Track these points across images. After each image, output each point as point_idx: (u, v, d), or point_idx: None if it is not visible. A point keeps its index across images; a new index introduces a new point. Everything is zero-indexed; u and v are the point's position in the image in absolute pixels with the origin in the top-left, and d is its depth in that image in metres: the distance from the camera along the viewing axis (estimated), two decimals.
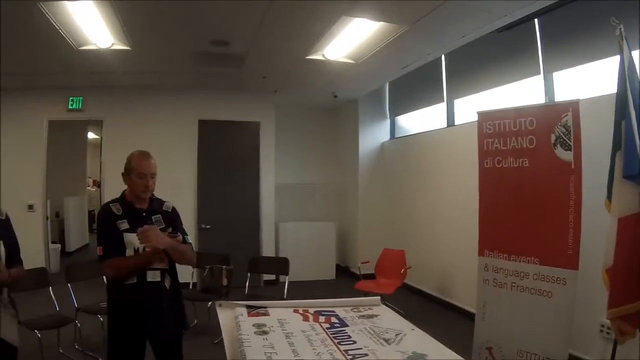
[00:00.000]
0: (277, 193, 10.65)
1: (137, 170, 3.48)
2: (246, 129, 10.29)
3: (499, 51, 7.14)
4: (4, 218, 3.31)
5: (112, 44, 7.08)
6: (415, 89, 9.55)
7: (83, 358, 5.97)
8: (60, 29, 6.37)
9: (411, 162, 9.63)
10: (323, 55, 7.43)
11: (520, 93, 6.97)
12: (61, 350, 6.13)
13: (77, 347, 6.23)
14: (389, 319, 3.13)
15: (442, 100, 8.73)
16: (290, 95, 10.42)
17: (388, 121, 11.00)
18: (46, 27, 6.28)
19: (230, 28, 6.48)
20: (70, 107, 9.86)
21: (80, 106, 9.87)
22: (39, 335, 5.37)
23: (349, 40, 6.78)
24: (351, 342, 2.63)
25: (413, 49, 7.14)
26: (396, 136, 10.82)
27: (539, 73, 6.45)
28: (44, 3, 5.59)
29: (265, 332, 2.78)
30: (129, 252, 3.44)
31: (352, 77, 8.76)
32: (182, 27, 6.45)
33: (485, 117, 5.66)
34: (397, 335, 2.78)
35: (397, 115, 10.75)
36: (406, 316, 3.17)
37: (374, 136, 10.96)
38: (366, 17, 5.93)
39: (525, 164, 5.22)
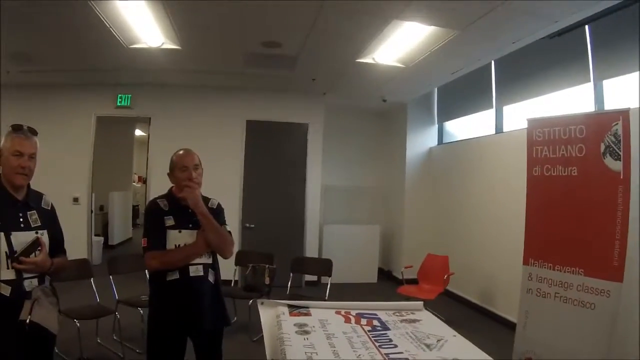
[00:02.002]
0: (323, 194, 10.64)
1: (178, 164, 3.53)
2: (294, 130, 10.28)
3: (549, 58, 7.02)
4: (49, 209, 3.34)
5: (163, 43, 7.17)
6: (464, 94, 9.46)
7: (120, 349, 6.02)
8: (110, 27, 6.47)
9: (458, 168, 9.53)
10: (373, 59, 7.41)
11: (569, 101, 6.85)
12: (99, 340, 6.23)
13: (115, 337, 6.32)
14: (431, 324, 3.09)
15: (491, 107, 8.60)
16: (339, 98, 10.37)
17: (436, 126, 10.90)
18: (97, 25, 6.39)
19: (282, 30, 6.50)
20: (118, 104, 10.02)
21: (129, 103, 10.02)
22: (78, 324, 5.48)
23: (400, 44, 6.75)
24: (392, 345, 2.60)
25: (463, 54, 7.08)
26: (444, 142, 10.72)
27: (589, 81, 6.33)
28: (95, 2, 5.68)
29: (306, 332, 2.76)
30: (170, 248, 3.48)
31: (402, 82, 8.71)
32: (233, 28, 6.48)
33: (535, 124, 5.58)
34: (438, 341, 2.74)
35: (445, 121, 10.65)
36: (447, 322, 3.12)
37: (421, 141, 10.87)
38: (417, 21, 5.89)
39: (574, 172, 5.12)
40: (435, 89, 10.50)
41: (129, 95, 10.00)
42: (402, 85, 9.03)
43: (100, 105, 10.06)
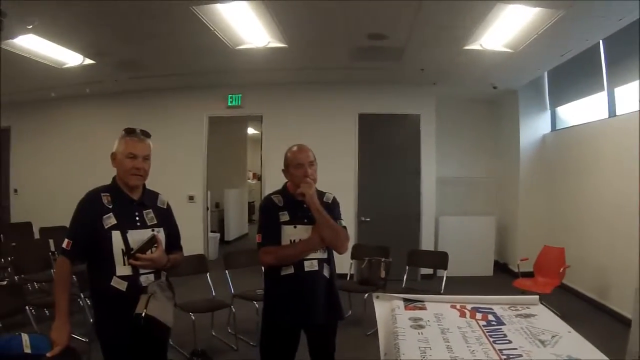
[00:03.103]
0: (437, 186, 10.50)
1: (294, 161, 3.57)
2: (406, 122, 10.21)
3: None
4: (165, 207, 3.44)
5: (269, 42, 7.27)
6: (575, 77, 9.06)
7: (234, 341, 6.18)
8: (215, 30, 6.63)
9: (572, 155, 9.16)
10: (480, 45, 7.25)
11: None
12: (213, 333, 6.40)
13: (229, 330, 6.47)
14: (546, 319, 2.98)
15: (603, 89, 8.19)
16: (449, 87, 10.21)
17: (548, 112, 10.52)
18: (201, 29, 6.60)
19: (387, 21, 6.46)
20: (229, 104, 10.32)
21: (239, 103, 10.28)
22: (194, 317, 5.64)
23: (506, 28, 6.59)
24: (506, 341, 2.52)
25: (570, 35, 6.81)
26: (557, 128, 10.33)
27: None
28: (197, 7, 5.83)
29: (421, 327, 2.72)
30: (285, 244, 3.54)
31: (511, 67, 8.49)
32: (338, 23, 6.50)
33: None
34: (553, 337, 2.64)
35: (557, 106, 10.23)
36: (561, 317, 3.02)
37: (534, 128, 10.50)
38: (521, 3, 5.74)
39: None
40: (545, 73, 10.11)
41: (239, 95, 10.26)
42: (512, 70, 8.80)
43: (212, 106, 10.42)
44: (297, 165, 3.55)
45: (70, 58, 8.29)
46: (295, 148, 3.65)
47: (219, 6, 5.98)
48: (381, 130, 10.14)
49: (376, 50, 7.60)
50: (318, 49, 7.77)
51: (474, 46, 7.30)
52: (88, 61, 8.37)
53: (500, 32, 6.76)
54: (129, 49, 7.83)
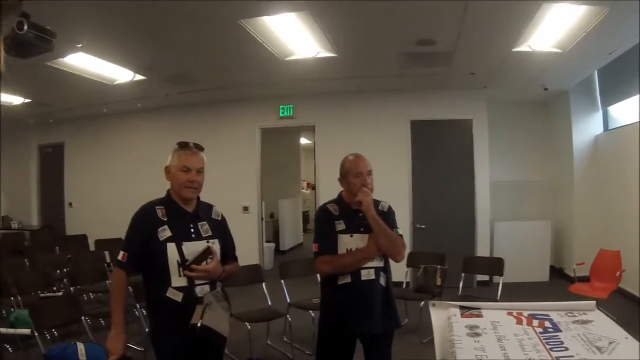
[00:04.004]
0: (491, 191, 10.35)
1: (353, 170, 3.59)
2: (458, 127, 10.15)
3: None
4: (219, 219, 3.47)
5: (318, 52, 7.31)
6: (625, 75, 8.80)
7: (290, 350, 6.21)
8: (264, 42, 6.69)
9: (626, 155, 8.84)
10: (529, 47, 7.17)
11: None
12: (269, 342, 6.44)
13: (285, 339, 6.49)
14: (603, 325, 2.93)
15: None
16: (499, 90, 10.10)
17: (600, 112, 10.27)
18: (250, 42, 6.66)
19: (434, 26, 6.46)
20: (281, 114, 10.39)
21: (291, 113, 10.36)
22: (249, 327, 5.68)
23: (553, 28, 6.52)
24: (563, 348, 2.49)
25: (618, 33, 6.66)
26: (609, 127, 10.09)
27: None
28: (245, 20, 5.91)
29: (477, 334, 2.71)
30: (341, 253, 3.56)
31: (560, 67, 8.36)
32: (385, 30, 6.52)
33: None
34: (610, 343, 2.60)
35: (609, 105, 9.97)
36: (618, 322, 2.97)
37: (586, 128, 10.27)
38: (567, 2, 5.69)
39: None
40: (595, 72, 9.87)
41: (291, 106, 10.35)
42: (561, 71, 8.66)
43: (264, 117, 10.54)
44: (356, 174, 3.57)
45: (121, 74, 8.51)
46: (353, 157, 3.68)
47: (266, 19, 6.05)
48: (433, 136, 10.10)
49: (425, 56, 7.58)
50: (367, 57, 7.79)
51: (522, 48, 7.22)
52: (139, 77, 8.58)
53: (548, 33, 6.69)
54: (178, 64, 8.01)
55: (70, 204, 12.95)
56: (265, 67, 7.98)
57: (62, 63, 7.50)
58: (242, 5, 5.67)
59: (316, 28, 6.37)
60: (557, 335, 2.69)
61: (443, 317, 3.12)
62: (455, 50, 7.36)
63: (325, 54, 7.40)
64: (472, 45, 7.19)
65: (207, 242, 3.25)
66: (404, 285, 7.53)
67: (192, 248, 3.17)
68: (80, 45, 6.77)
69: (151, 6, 5.58)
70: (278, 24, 6.27)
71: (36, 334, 4.60)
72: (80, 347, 4.34)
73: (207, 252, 3.18)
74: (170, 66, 8.15)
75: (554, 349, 2.47)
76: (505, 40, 6.96)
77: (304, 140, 17.04)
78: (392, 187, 9.30)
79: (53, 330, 5.72)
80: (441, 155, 10.09)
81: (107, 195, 11.89)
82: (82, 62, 7.69)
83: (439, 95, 10.02)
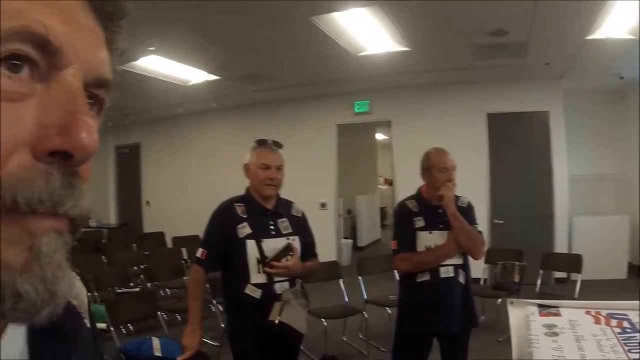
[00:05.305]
0: (570, 185, 10.09)
1: (438, 165, 3.59)
2: (535, 119, 9.96)
3: None
4: (300, 216, 3.51)
5: (391, 46, 7.30)
6: None
7: (365, 347, 6.21)
8: (336, 39, 6.72)
9: None
10: (603, 34, 6.97)
11: None
12: (344, 339, 6.44)
13: (361, 336, 6.48)
14: None
15: None
16: (574, 80, 9.81)
17: None
18: (322, 39, 6.70)
19: (506, 16, 6.34)
20: (356, 110, 10.38)
21: (367, 109, 10.33)
22: (325, 323, 5.73)
23: (627, 14, 6.29)
24: None
25: None
26: None
27: None
28: (316, 17, 5.96)
29: (555, 334, 2.67)
30: (420, 250, 3.56)
31: (636, 55, 8.00)
32: (457, 21, 6.47)
33: None
34: None
35: None
36: None
37: None
38: None
39: None
40: None
41: (366, 101, 10.34)
42: (637, 58, 8.27)
43: (340, 113, 10.56)
44: (441, 168, 3.57)
45: (194, 75, 8.71)
46: (438, 151, 3.68)
47: (337, 15, 6.08)
48: (510, 129, 9.93)
49: (499, 47, 7.47)
50: (441, 50, 7.73)
51: (596, 35, 7.03)
52: (212, 77, 8.74)
53: (622, 19, 6.49)
54: (251, 63, 8.11)
55: (148, 203, 13.35)
56: (339, 63, 8.02)
57: (135, 66, 7.71)
58: (314, 2, 5.72)
59: (387, 22, 6.36)
60: (635, 336, 2.63)
61: (521, 315, 3.09)
62: (529, 40, 7.23)
63: (398, 47, 7.38)
64: (546, 35, 7.03)
65: (287, 239, 3.29)
66: (481, 282, 7.44)
67: (271, 245, 3.20)
68: (152, 48, 6.97)
69: (223, 7, 5.68)
70: (349, 19, 6.29)
71: (112, 329, 4.71)
72: (156, 341, 4.47)
73: (287, 249, 3.21)
74: (243, 65, 8.26)
75: (632, 351, 2.42)
76: (578, 29, 6.77)
77: (380, 136, 17.04)
78: (470, 181, 9.14)
79: (129, 324, 5.89)
80: (518, 148, 9.92)
81: (184, 194, 12.18)
82: (155, 64, 7.92)
83: (514, 87, 9.82)
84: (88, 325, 0.74)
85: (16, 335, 0.57)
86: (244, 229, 3.20)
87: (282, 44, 7.15)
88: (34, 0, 0.47)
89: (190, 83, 9.09)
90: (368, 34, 6.89)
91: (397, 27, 6.55)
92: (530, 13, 6.15)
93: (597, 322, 2.88)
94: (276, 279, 3.19)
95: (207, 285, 3.78)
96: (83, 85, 0.52)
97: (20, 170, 0.46)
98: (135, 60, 7.45)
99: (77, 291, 0.68)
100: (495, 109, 9.92)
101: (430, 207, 3.61)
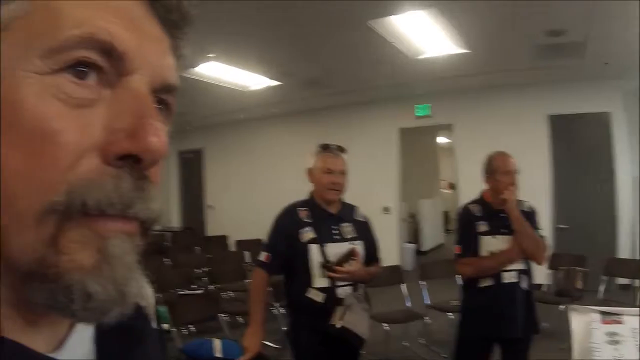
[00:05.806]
0: (634, 188, 9.73)
1: (502, 168, 3.57)
2: (596, 121, 9.70)
3: None
4: (363, 220, 3.52)
5: (450, 49, 7.25)
6: None
7: (427, 353, 6.20)
8: (393, 42, 6.71)
9: None
10: None
11: None
12: (405, 344, 6.39)
13: (421, 341, 6.45)
14: None
15: None
16: (634, 80, 9.43)
17: None
18: (380, 43, 6.73)
19: (564, 15, 6.23)
20: (417, 114, 10.33)
21: (428, 112, 10.28)
22: (387, 328, 5.74)
23: None
24: None
25: None
26: None
27: None
28: (373, 21, 5.96)
29: (616, 342, 2.63)
30: (483, 254, 3.55)
31: None
32: (516, 22, 6.39)
33: None
34: None
35: None
36: None
37: None
38: None
39: None
40: None
41: (428, 105, 10.28)
42: None
43: (401, 117, 10.55)
44: (505, 172, 3.54)
45: (254, 81, 8.82)
46: (501, 155, 3.65)
47: (394, 19, 6.09)
48: (571, 131, 9.74)
49: (557, 47, 7.36)
50: (499, 51, 7.66)
51: None
52: (273, 82, 8.82)
53: None
54: (312, 68, 8.18)
55: (211, 206, 13.53)
56: (398, 66, 8.01)
57: (196, 73, 7.86)
58: (371, 6, 5.73)
59: (446, 24, 6.34)
60: None
61: (583, 322, 3.04)
62: (588, 39, 7.09)
63: (458, 50, 7.34)
64: (604, 34, 6.89)
65: (351, 243, 3.30)
66: (543, 288, 7.31)
67: (335, 249, 3.22)
68: (212, 55, 7.07)
69: (282, 13, 5.74)
70: (407, 22, 6.28)
71: (174, 329, 4.82)
72: (217, 343, 4.52)
73: (350, 254, 3.22)
74: (304, 71, 8.33)
75: None
76: (637, 28, 6.56)
77: (442, 139, 16.85)
78: (533, 185, 9.02)
79: (190, 326, 6.00)
80: (580, 151, 9.70)
81: (247, 198, 12.33)
82: (216, 71, 8.07)
83: (573, 88, 9.60)
84: (155, 326, 0.76)
85: (84, 336, 0.59)
86: (308, 234, 3.23)
87: (342, 49, 7.20)
88: (99, 8, 0.49)
89: (250, 89, 9.19)
90: (426, 37, 6.87)
91: (455, 29, 6.52)
92: (589, 12, 6.07)
93: None
94: (339, 283, 3.21)
95: (270, 289, 3.80)
96: (151, 91, 0.53)
97: (90, 174, 0.48)
98: (194, 67, 7.59)
99: (146, 293, 0.70)
100: (556, 110, 9.75)
101: (493, 212, 3.59)
